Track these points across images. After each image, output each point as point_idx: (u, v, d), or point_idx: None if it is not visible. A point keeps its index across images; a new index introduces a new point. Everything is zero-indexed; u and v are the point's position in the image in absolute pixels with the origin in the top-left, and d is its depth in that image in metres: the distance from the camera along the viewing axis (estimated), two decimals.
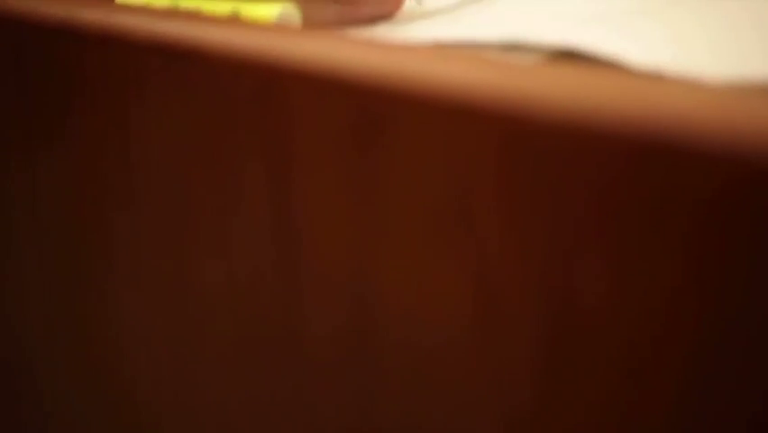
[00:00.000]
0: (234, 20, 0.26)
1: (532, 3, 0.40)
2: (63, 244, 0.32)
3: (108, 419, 0.31)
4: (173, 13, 0.28)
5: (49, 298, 0.33)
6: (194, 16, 0.27)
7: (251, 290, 0.25)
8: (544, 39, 0.29)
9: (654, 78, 0.18)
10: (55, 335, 0.34)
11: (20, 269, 0.34)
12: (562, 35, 0.29)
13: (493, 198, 0.18)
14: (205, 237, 0.26)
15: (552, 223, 0.17)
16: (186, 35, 0.24)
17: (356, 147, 0.21)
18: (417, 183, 0.20)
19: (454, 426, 0.20)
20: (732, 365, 0.15)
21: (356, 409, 0.22)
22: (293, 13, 0.33)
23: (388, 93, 0.19)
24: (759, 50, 0.28)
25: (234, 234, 0.25)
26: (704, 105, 0.16)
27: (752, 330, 0.15)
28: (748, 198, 0.15)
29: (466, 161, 0.18)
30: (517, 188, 0.18)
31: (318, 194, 0.22)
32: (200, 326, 0.27)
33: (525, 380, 0.19)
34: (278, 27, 0.25)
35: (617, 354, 0.17)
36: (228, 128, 0.24)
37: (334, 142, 0.21)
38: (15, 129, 0.32)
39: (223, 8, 0.33)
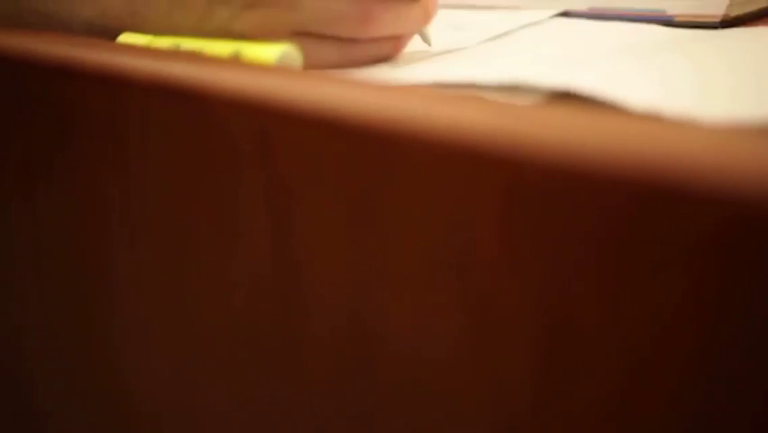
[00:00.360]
0: (235, 61, 0.26)
1: (532, 44, 0.40)
2: (64, 275, 0.32)
3: (108, 423, 0.31)
4: (175, 54, 0.28)
5: (50, 302, 0.33)
6: (195, 57, 0.27)
7: (251, 307, 0.25)
8: (544, 80, 0.29)
9: (653, 120, 0.18)
10: (57, 348, 0.34)
11: (22, 303, 0.34)
12: (561, 77, 0.29)
13: (494, 235, 0.18)
14: (206, 270, 0.26)
15: (552, 260, 0.17)
16: (187, 76, 0.24)
17: (356, 185, 0.21)
18: (417, 222, 0.20)
19: None
20: (723, 395, 0.15)
21: (356, 416, 0.22)
22: (294, 55, 0.33)
23: (387, 134, 0.19)
24: (757, 90, 0.29)
25: (235, 266, 0.25)
26: (703, 146, 0.16)
27: (743, 358, 0.15)
28: (747, 238, 0.15)
29: (466, 201, 0.18)
30: (518, 227, 0.18)
31: (318, 229, 0.22)
32: (200, 346, 0.27)
33: (521, 390, 0.18)
34: (278, 69, 0.25)
35: (612, 372, 0.17)
36: (228, 167, 0.24)
37: (334, 180, 0.21)
38: (17, 164, 0.32)
39: (224, 49, 0.33)
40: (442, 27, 0.41)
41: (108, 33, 0.35)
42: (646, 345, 0.16)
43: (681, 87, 0.29)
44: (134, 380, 0.29)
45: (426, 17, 0.37)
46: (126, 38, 0.34)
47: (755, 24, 0.44)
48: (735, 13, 0.44)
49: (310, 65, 0.34)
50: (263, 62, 0.32)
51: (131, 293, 0.29)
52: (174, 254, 0.26)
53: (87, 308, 0.31)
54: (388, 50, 0.36)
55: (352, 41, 0.35)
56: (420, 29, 0.37)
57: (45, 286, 0.33)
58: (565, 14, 0.47)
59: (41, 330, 0.33)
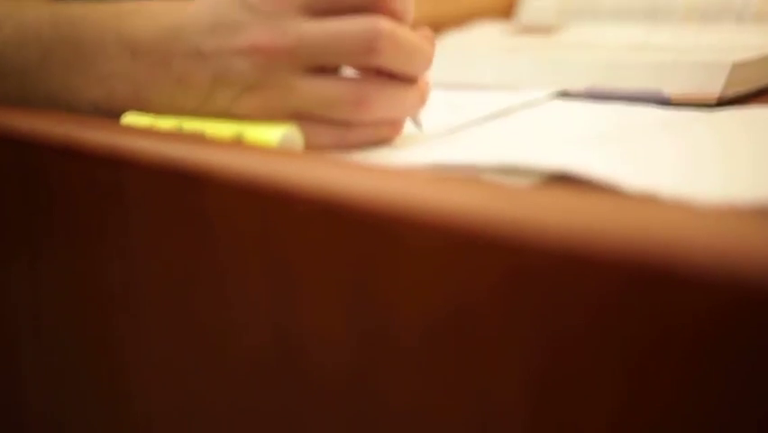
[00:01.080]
0: (236, 144, 0.27)
1: (529, 125, 0.41)
2: (66, 344, 0.32)
3: None
4: (176, 137, 0.28)
5: (51, 364, 0.33)
6: (196, 140, 0.27)
7: (252, 381, 0.24)
8: (542, 162, 0.29)
9: (649, 203, 0.18)
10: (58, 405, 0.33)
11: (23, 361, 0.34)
12: (557, 158, 0.29)
13: (493, 312, 0.18)
14: (207, 346, 0.26)
15: (549, 336, 0.17)
16: (188, 159, 0.25)
17: (356, 265, 0.21)
18: (417, 299, 0.20)
19: None
20: None
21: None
22: (296, 137, 0.33)
23: (387, 218, 0.20)
24: (752, 172, 0.29)
25: (236, 342, 0.25)
26: (700, 231, 0.16)
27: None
28: (745, 321, 0.15)
29: (466, 280, 0.19)
30: (516, 306, 0.18)
31: (319, 307, 0.22)
32: (200, 412, 0.27)
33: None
34: (277, 153, 0.25)
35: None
36: (229, 248, 0.24)
37: (334, 260, 0.21)
38: (20, 239, 0.32)
39: (227, 130, 0.33)
40: (438, 108, 0.41)
41: (113, 114, 0.35)
42: (640, 421, 0.16)
43: (677, 169, 0.30)
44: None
45: (422, 100, 0.37)
46: (130, 118, 0.35)
47: (751, 104, 0.44)
48: (731, 92, 0.44)
49: (307, 147, 0.34)
50: (265, 144, 0.32)
51: (133, 359, 0.29)
52: (174, 333, 0.26)
53: (92, 377, 0.31)
54: (385, 134, 0.37)
55: (348, 124, 0.35)
56: (416, 112, 0.37)
57: (46, 354, 0.32)
58: (565, 94, 0.48)
59: (42, 390, 0.33)
